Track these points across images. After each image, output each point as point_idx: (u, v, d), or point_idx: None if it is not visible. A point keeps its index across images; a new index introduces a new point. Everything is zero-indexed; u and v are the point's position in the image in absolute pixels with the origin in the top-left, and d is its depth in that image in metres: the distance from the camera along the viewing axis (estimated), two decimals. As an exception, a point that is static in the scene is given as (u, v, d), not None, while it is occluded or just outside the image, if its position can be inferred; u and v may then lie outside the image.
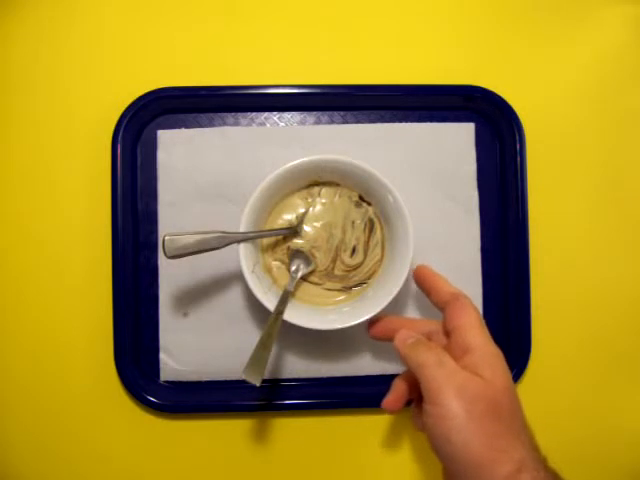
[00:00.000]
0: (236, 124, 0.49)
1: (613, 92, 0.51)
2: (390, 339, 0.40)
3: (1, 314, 0.47)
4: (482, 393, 0.33)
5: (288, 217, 0.46)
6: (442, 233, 0.48)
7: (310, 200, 0.46)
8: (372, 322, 0.42)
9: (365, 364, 0.48)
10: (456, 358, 0.35)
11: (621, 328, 0.50)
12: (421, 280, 0.42)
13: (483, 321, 0.38)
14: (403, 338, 0.38)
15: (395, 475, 0.48)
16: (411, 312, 0.48)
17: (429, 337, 0.40)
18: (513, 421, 0.33)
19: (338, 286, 0.46)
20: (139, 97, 0.47)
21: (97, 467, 0.47)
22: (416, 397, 0.41)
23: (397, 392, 0.40)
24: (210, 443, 0.48)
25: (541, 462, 0.32)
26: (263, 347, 0.39)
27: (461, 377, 0.34)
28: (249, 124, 0.49)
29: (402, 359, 0.37)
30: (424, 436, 0.35)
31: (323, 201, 0.46)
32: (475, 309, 0.38)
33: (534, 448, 0.33)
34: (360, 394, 0.47)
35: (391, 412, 0.40)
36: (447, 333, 0.38)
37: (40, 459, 0.47)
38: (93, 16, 0.49)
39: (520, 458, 0.31)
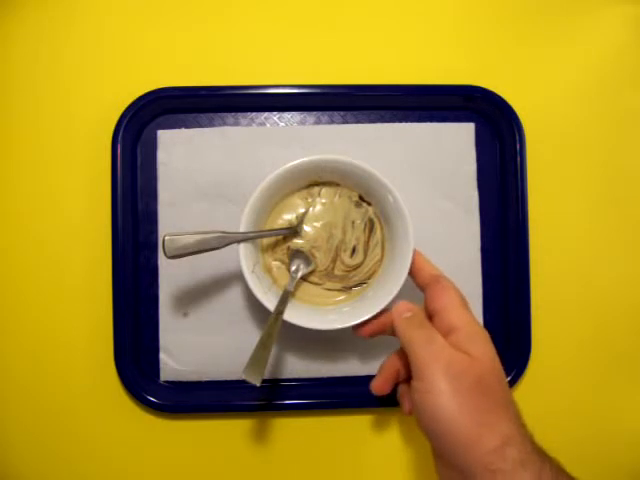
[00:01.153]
0: (236, 124, 0.49)
1: (613, 92, 0.51)
2: (379, 333, 0.41)
3: (1, 314, 0.47)
4: (469, 370, 0.34)
5: (288, 217, 0.46)
6: (442, 233, 0.48)
7: (310, 200, 0.46)
8: (357, 327, 0.42)
9: (365, 364, 0.48)
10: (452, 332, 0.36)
11: (621, 328, 0.50)
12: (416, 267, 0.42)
13: (466, 301, 0.38)
14: (400, 311, 0.38)
15: (395, 474, 0.48)
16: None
17: None
18: (500, 397, 0.34)
19: (338, 286, 0.46)
20: (139, 97, 0.47)
21: (97, 467, 0.47)
22: (404, 378, 0.42)
23: (385, 375, 0.41)
24: (210, 443, 0.48)
25: (527, 437, 0.33)
26: (263, 347, 0.39)
27: (448, 354, 0.34)
28: (249, 124, 0.49)
29: (395, 331, 0.38)
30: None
31: (323, 201, 0.46)
32: (456, 290, 0.38)
33: (521, 424, 0.34)
34: (360, 394, 0.47)
35: (380, 395, 0.42)
36: (429, 315, 0.38)
37: (40, 459, 0.47)
38: (93, 16, 0.49)
39: (507, 432, 0.32)
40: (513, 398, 0.35)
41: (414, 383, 0.35)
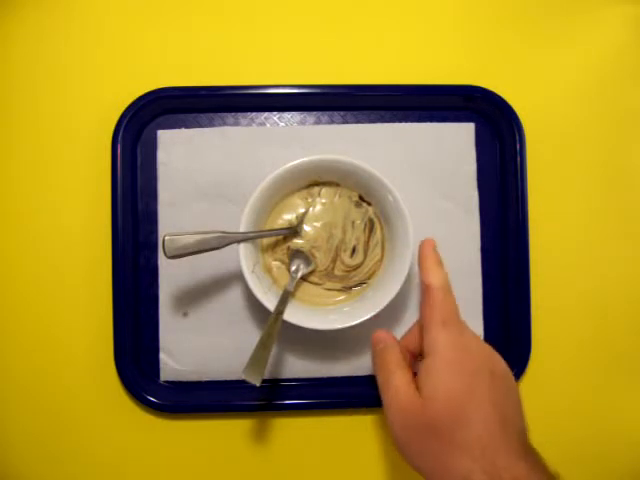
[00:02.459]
0: (236, 124, 0.49)
1: (613, 92, 0.51)
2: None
3: (1, 314, 0.47)
4: (419, 416, 0.33)
5: (288, 217, 0.46)
6: (442, 233, 0.48)
7: (310, 200, 0.46)
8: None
9: (365, 364, 0.48)
10: (424, 357, 0.36)
11: (621, 328, 0.50)
12: (419, 258, 0.41)
13: (451, 315, 0.37)
14: (375, 342, 0.40)
15: (395, 475, 0.48)
16: (411, 311, 0.48)
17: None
18: (457, 436, 0.32)
19: (338, 286, 0.46)
20: (139, 97, 0.47)
21: (97, 467, 0.47)
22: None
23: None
24: (210, 443, 0.48)
25: (496, 467, 0.31)
26: (263, 347, 0.39)
27: (402, 399, 0.35)
28: (249, 124, 0.49)
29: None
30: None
31: (323, 201, 0.46)
32: (441, 303, 0.37)
33: (484, 455, 0.31)
34: (360, 394, 0.47)
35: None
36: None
37: (40, 459, 0.47)
38: (93, 16, 0.49)
39: (466, 469, 0.31)
40: (484, 430, 0.32)
41: None
